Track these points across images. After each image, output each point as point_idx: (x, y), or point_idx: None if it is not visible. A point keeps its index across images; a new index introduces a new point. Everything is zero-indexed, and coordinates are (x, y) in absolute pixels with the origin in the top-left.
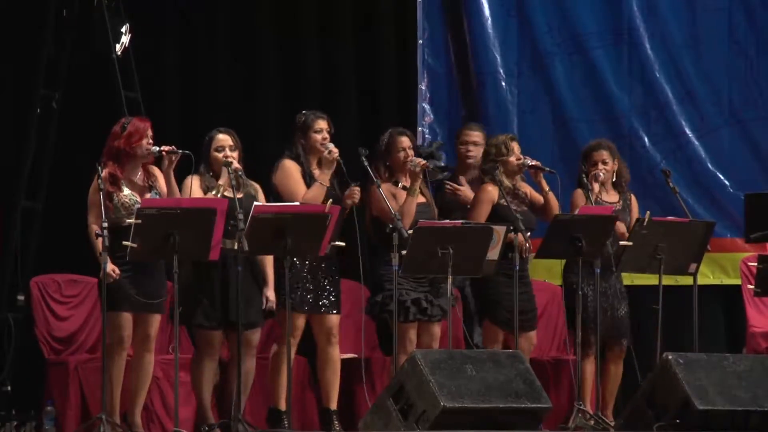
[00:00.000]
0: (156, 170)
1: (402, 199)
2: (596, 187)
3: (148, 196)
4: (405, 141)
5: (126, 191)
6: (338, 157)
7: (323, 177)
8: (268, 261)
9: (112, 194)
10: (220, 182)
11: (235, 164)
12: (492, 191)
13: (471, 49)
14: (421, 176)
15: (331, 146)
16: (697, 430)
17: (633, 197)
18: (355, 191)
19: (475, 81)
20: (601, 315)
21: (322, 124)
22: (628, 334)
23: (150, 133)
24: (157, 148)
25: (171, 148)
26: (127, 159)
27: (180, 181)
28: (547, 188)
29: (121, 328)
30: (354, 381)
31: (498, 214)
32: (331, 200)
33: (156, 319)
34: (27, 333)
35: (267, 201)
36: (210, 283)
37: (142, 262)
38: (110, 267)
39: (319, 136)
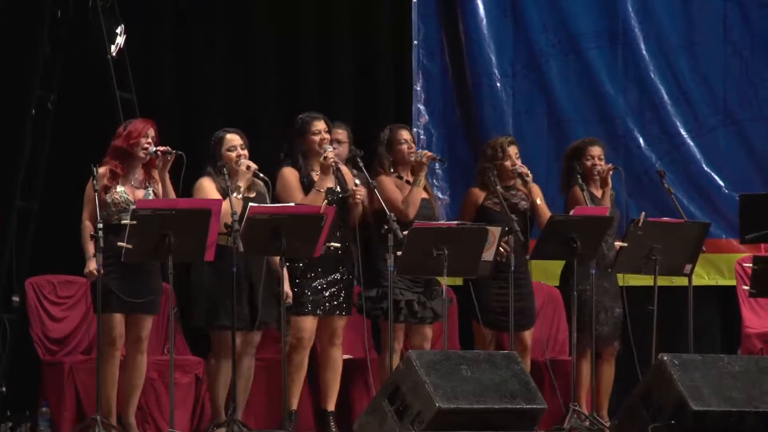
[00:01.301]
0: (156, 173)
1: (406, 191)
2: (609, 180)
3: (140, 194)
4: (405, 133)
5: (119, 189)
6: (333, 163)
7: (321, 183)
8: (276, 259)
9: (109, 188)
10: (240, 183)
11: (252, 164)
12: (476, 194)
13: (466, 50)
14: (427, 167)
15: (328, 151)
16: (692, 430)
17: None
18: (358, 192)
19: (470, 82)
20: (602, 315)
21: (318, 125)
22: (619, 334)
23: (151, 133)
24: (154, 149)
25: (166, 148)
26: (125, 158)
27: (189, 183)
28: (537, 199)
29: (112, 328)
30: (349, 381)
31: (484, 217)
32: (326, 201)
33: (147, 320)
34: (22, 334)
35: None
36: (237, 284)
37: (138, 263)
38: (93, 266)
39: (316, 138)
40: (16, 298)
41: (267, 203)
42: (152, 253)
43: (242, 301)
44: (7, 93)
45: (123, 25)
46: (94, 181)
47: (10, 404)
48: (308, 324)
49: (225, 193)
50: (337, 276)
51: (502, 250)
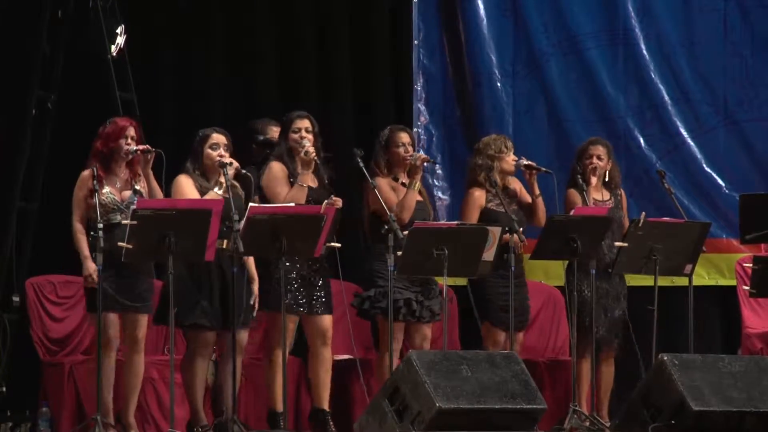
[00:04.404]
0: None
1: (401, 195)
2: (594, 180)
3: (127, 194)
4: (404, 136)
5: (106, 189)
6: (314, 158)
7: (303, 178)
8: (250, 259)
9: (94, 192)
10: (221, 180)
11: (234, 162)
12: (479, 196)
13: (466, 50)
14: (422, 171)
15: (307, 146)
16: (692, 430)
17: (623, 194)
18: (336, 203)
19: (470, 81)
20: (601, 316)
21: (299, 123)
22: (620, 335)
23: (130, 132)
24: (134, 148)
25: (145, 147)
26: (107, 160)
27: (168, 180)
28: (537, 192)
29: (107, 328)
30: (349, 382)
31: (487, 219)
32: (326, 201)
33: (143, 320)
34: (22, 334)
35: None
36: (209, 283)
37: (137, 262)
38: (93, 267)
39: (296, 136)
40: (16, 298)
41: (245, 202)
42: (152, 253)
43: (214, 301)
44: (7, 93)
45: (123, 25)
46: (94, 182)
47: (10, 404)
48: (291, 324)
49: (203, 192)
50: (317, 276)
51: (523, 243)
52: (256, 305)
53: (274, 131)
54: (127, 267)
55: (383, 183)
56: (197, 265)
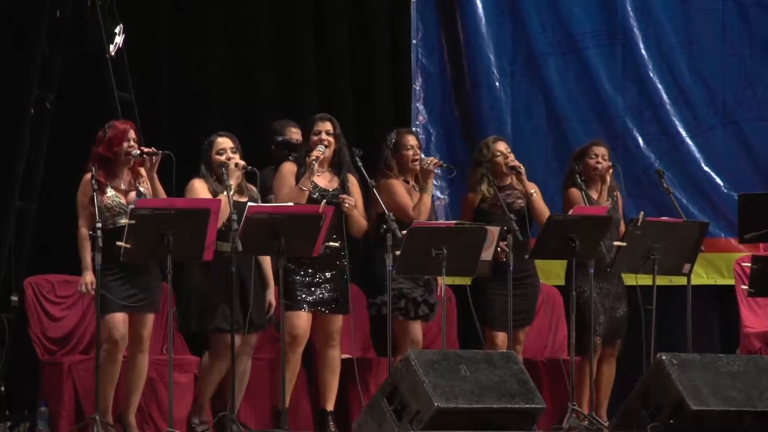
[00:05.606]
0: (144, 172)
1: (415, 197)
2: (608, 178)
3: (132, 196)
4: (411, 139)
5: (110, 193)
6: (312, 163)
7: (304, 181)
8: (266, 262)
9: (94, 197)
10: (231, 182)
11: (240, 162)
12: (472, 198)
13: (465, 49)
14: (433, 174)
15: (314, 153)
16: (691, 430)
17: (620, 197)
18: (346, 200)
19: (468, 81)
20: (602, 316)
21: (320, 125)
22: (623, 335)
23: (131, 135)
24: (138, 151)
25: (151, 149)
26: (109, 164)
27: (184, 182)
28: (531, 191)
29: (115, 329)
30: (348, 381)
31: (481, 220)
32: (325, 201)
33: (149, 319)
34: (21, 333)
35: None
36: (229, 286)
37: (136, 262)
38: (89, 278)
39: (315, 138)
40: (14, 298)
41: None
42: (151, 252)
43: (235, 303)
44: (6, 93)
45: (122, 25)
46: (93, 182)
47: (9, 404)
48: (302, 321)
49: (216, 195)
50: (333, 275)
51: (500, 250)
52: (272, 310)
53: (293, 132)
54: (133, 266)
55: (399, 185)
56: (212, 267)
